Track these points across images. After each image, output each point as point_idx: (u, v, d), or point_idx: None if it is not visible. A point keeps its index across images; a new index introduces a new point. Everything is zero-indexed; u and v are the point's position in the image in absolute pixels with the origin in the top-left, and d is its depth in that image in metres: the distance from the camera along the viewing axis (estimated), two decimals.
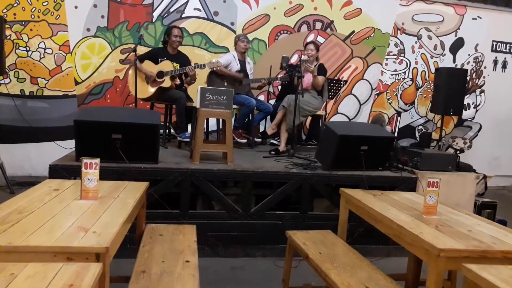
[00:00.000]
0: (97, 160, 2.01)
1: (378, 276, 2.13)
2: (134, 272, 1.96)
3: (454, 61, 6.56)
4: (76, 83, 5.46)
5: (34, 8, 5.24)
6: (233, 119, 4.16)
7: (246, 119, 4.77)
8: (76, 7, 5.35)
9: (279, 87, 5.64)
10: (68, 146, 4.48)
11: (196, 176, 3.37)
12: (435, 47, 6.49)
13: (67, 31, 5.37)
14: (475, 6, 6.48)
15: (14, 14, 5.18)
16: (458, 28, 6.50)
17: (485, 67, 6.70)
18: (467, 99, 6.59)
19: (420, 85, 6.54)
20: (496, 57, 6.71)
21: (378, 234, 2.38)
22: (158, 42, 5.43)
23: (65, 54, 5.39)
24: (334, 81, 5.46)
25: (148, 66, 4.50)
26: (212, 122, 5.03)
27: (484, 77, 6.72)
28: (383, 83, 6.41)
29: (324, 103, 5.13)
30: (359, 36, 6.20)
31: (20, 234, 1.52)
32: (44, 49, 5.32)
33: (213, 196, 3.48)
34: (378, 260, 3.26)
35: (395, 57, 6.39)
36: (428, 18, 6.41)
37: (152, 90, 4.48)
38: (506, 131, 6.81)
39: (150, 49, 4.99)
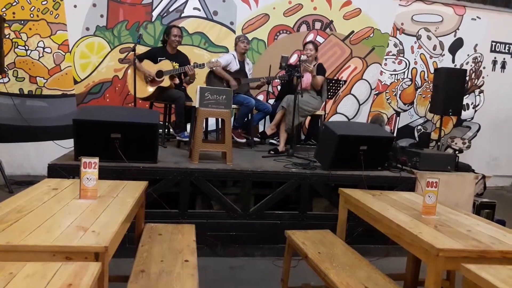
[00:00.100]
0: (96, 160, 2.01)
1: (377, 276, 2.13)
2: (133, 271, 1.96)
3: (453, 61, 6.56)
4: (75, 82, 5.45)
5: (33, 7, 5.23)
6: (232, 119, 4.16)
7: (245, 119, 4.77)
8: (75, 6, 5.34)
9: (279, 87, 5.64)
10: (67, 145, 4.47)
11: (195, 175, 3.37)
12: (434, 47, 6.50)
13: (66, 30, 5.36)
14: (475, 7, 6.48)
15: (13, 13, 5.18)
16: (458, 29, 6.51)
17: (484, 68, 6.70)
18: (466, 100, 6.60)
19: (419, 85, 6.55)
20: (495, 58, 6.72)
21: (377, 234, 2.38)
22: (158, 41, 5.43)
23: (64, 53, 5.38)
24: (333, 81, 5.46)
25: (147, 66, 4.49)
26: (211, 122, 5.03)
27: (483, 77, 6.73)
28: (382, 83, 6.42)
29: (323, 103, 5.14)
30: (359, 36, 6.20)
31: (19, 233, 1.52)
32: (43, 48, 5.32)
33: (212, 196, 3.48)
34: (377, 260, 3.26)
35: (394, 57, 6.40)
36: (427, 18, 6.41)
37: (151, 89, 4.48)
38: (505, 132, 6.82)
39: (149, 48, 4.99)
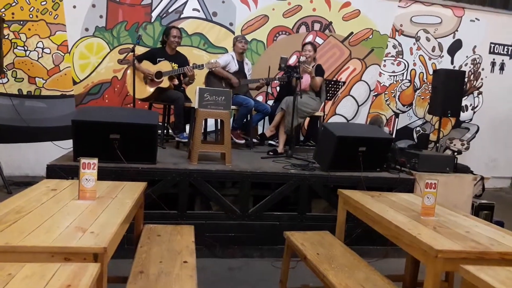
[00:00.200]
0: (95, 160, 2.00)
1: (376, 277, 2.13)
2: (132, 272, 1.96)
3: (452, 62, 6.58)
4: (74, 83, 5.45)
5: (32, 8, 5.23)
6: (231, 120, 4.17)
7: (244, 120, 4.78)
8: (74, 6, 5.34)
9: (278, 88, 5.64)
10: (66, 146, 4.47)
11: (194, 176, 3.37)
12: (433, 49, 6.51)
13: (66, 31, 5.36)
14: (473, 8, 6.50)
15: (13, 14, 5.17)
16: (456, 30, 6.52)
17: (483, 69, 6.72)
18: (465, 101, 6.62)
19: (418, 87, 6.56)
20: (494, 59, 6.74)
21: (376, 235, 2.38)
22: (157, 42, 5.43)
23: (63, 54, 5.38)
24: (332, 82, 5.47)
25: (147, 66, 4.49)
26: (210, 123, 5.03)
27: (482, 79, 6.74)
28: (381, 85, 6.43)
29: (322, 104, 5.14)
30: (358, 37, 6.21)
31: (18, 234, 1.52)
32: (42, 48, 5.31)
33: (211, 197, 3.48)
34: (376, 261, 3.27)
35: (393, 58, 6.41)
36: (426, 19, 6.43)
37: (150, 90, 4.48)
38: (503, 133, 6.84)
39: (148, 49, 5.00)
